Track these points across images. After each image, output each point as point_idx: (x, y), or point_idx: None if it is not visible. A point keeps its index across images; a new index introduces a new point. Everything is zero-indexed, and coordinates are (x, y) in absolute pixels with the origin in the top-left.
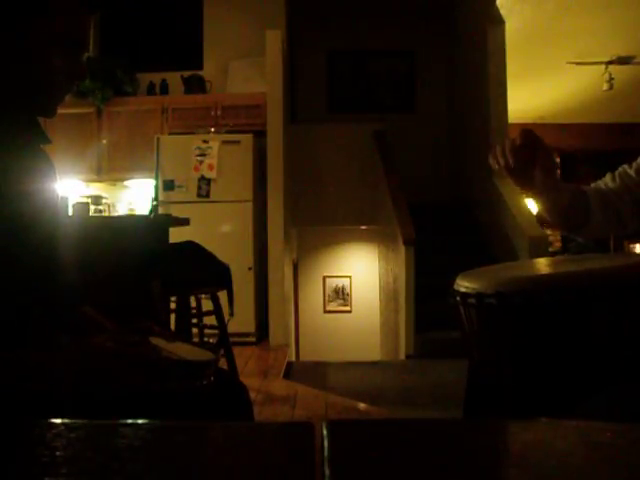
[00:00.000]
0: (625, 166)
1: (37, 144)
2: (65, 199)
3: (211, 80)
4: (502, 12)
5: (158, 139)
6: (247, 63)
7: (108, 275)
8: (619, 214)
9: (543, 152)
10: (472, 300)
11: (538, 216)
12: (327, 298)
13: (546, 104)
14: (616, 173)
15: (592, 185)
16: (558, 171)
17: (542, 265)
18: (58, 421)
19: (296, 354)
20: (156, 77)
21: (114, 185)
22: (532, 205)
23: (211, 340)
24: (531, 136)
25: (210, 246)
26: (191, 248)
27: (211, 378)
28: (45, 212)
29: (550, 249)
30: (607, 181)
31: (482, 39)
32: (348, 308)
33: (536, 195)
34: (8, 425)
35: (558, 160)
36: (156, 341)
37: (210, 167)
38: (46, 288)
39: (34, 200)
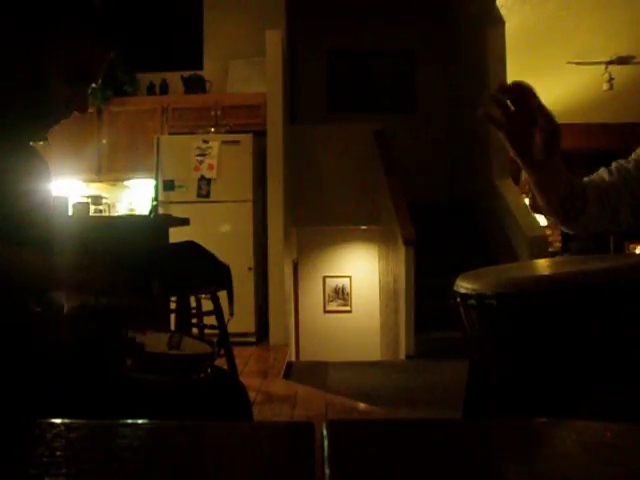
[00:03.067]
0: (621, 161)
1: (28, 141)
2: (65, 199)
3: (211, 80)
4: (502, 12)
5: (158, 139)
6: (247, 63)
7: (108, 275)
8: (615, 209)
9: (543, 114)
10: (472, 301)
11: (532, 203)
12: (327, 298)
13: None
14: (612, 168)
15: (586, 179)
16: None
17: (542, 266)
18: (58, 421)
19: (296, 354)
20: (156, 77)
21: (114, 185)
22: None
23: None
24: (524, 88)
25: (210, 246)
26: (191, 248)
27: (208, 371)
28: (39, 211)
29: (550, 249)
30: (603, 175)
31: (482, 39)
32: (348, 308)
33: (534, 171)
34: (8, 425)
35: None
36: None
37: (210, 167)
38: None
39: (27, 199)
